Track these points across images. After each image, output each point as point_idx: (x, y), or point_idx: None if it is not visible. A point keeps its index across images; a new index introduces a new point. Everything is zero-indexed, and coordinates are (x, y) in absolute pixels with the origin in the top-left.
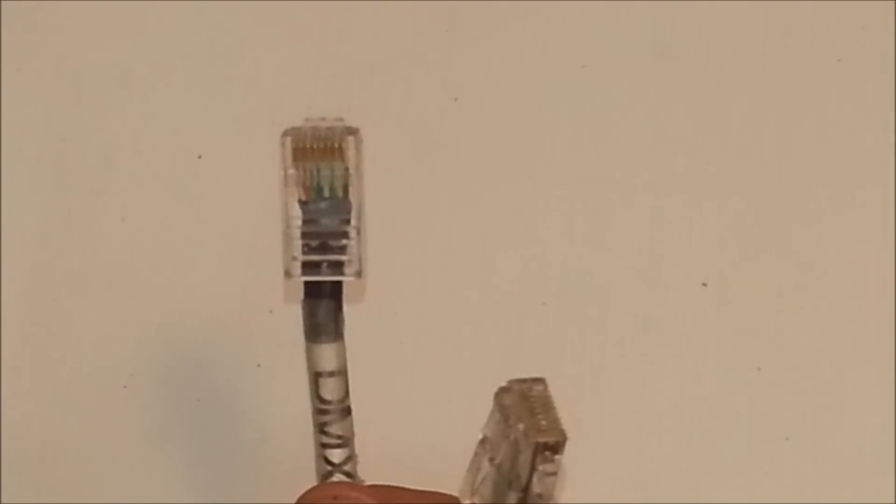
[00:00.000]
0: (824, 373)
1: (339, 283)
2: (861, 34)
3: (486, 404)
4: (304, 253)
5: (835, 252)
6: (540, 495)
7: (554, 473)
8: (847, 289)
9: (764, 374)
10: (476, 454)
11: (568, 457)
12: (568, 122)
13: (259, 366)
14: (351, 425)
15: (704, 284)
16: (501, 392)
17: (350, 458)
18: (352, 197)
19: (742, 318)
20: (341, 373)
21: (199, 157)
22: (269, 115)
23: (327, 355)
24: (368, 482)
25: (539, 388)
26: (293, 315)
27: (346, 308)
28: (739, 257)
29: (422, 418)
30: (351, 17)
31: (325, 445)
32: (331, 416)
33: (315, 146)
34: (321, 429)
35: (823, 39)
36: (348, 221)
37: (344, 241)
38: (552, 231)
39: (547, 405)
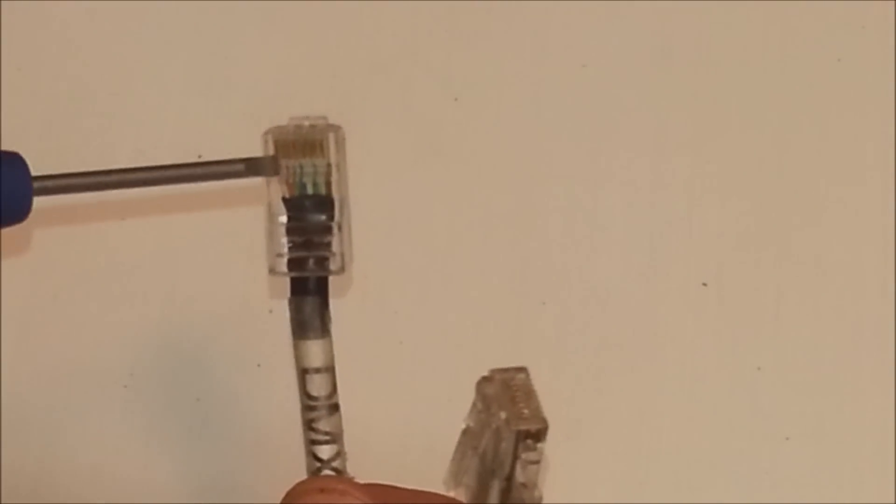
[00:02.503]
0: (824, 373)
1: (325, 280)
2: (861, 34)
3: None
4: (289, 250)
5: (835, 252)
6: (524, 484)
7: (537, 461)
8: (847, 289)
9: (764, 374)
10: (459, 444)
11: (567, 456)
12: (568, 122)
13: (259, 366)
14: (339, 422)
15: (704, 284)
16: (483, 381)
17: (339, 454)
18: (334, 193)
19: (742, 318)
20: (328, 369)
21: (199, 157)
22: (269, 114)
23: (313, 352)
24: (363, 481)
25: (521, 376)
26: None
27: (347, 307)
28: (739, 257)
29: (420, 418)
30: (350, 17)
31: (313, 442)
32: (318, 412)
33: (297, 143)
34: (309, 425)
35: (823, 39)
36: (332, 217)
37: (328, 237)
38: (552, 231)
39: (529, 394)
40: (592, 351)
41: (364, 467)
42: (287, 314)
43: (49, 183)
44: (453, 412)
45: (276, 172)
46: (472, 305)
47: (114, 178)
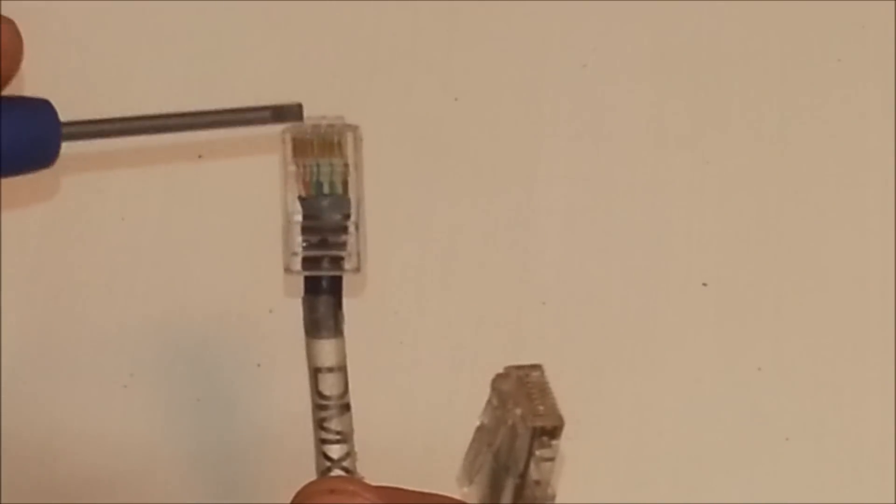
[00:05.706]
0: (824, 373)
1: (339, 279)
2: (861, 34)
3: None
4: (304, 249)
5: (835, 252)
6: (537, 482)
7: (551, 459)
8: (847, 289)
9: (764, 374)
10: (473, 441)
11: (567, 456)
12: (568, 122)
13: (259, 365)
14: (350, 421)
15: (704, 284)
16: (499, 378)
17: (349, 454)
18: (351, 193)
19: (742, 318)
20: (341, 368)
21: (199, 156)
22: None
23: (326, 351)
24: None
25: (536, 374)
26: (293, 314)
27: (346, 307)
28: (739, 257)
29: (421, 418)
30: (351, 17)
31: (324, 441)
32: (330, 411)
33: (315, 142)
34: (320, 424)
35: (823, 39)
36: (348, 217)
37: (343, 237)
38: (552, 231)
39: (544, 391)
40: (592, 351)
41: (362, 467)
42: (287, 314)
43: (77, 129)
44: (453, 412)
45: (300, 118)
46: (472, 305)
47: (141, 123)
